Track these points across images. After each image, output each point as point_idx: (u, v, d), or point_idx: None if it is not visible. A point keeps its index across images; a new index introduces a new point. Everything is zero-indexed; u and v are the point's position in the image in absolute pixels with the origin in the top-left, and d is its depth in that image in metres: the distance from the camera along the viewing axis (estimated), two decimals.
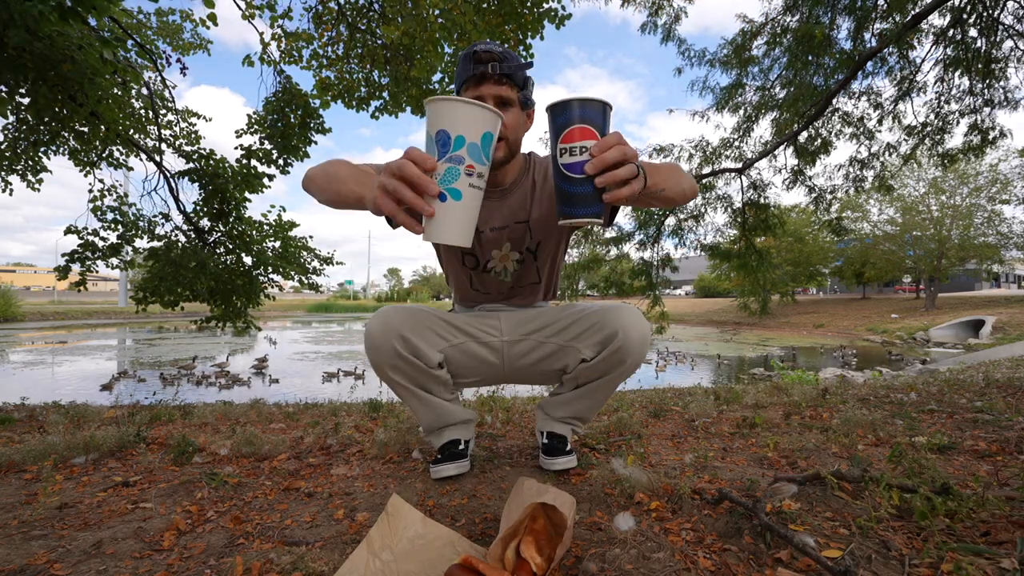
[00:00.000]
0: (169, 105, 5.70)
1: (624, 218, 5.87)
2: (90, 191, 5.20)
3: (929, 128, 4.94)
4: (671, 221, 5.76)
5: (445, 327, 1.31)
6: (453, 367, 1.33)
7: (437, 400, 1.33)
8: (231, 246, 5.38)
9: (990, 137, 4.77)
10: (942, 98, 4.75)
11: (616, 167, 0.74)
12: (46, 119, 3.89)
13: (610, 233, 5.98)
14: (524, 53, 4.09)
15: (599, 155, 0.73)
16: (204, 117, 6.00)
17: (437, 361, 1.27)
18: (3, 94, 2.91)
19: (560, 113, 0.74)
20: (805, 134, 5.13)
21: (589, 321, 1.27)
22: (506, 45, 3.94)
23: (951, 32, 4.25)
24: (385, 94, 4.62)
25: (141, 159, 5.26)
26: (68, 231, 4.82)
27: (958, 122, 4.81)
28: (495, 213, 1.28)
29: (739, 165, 5.49)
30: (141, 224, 5.18)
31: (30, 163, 4.94)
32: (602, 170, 0.73)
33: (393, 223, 0.89)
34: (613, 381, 1.29)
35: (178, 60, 5.42)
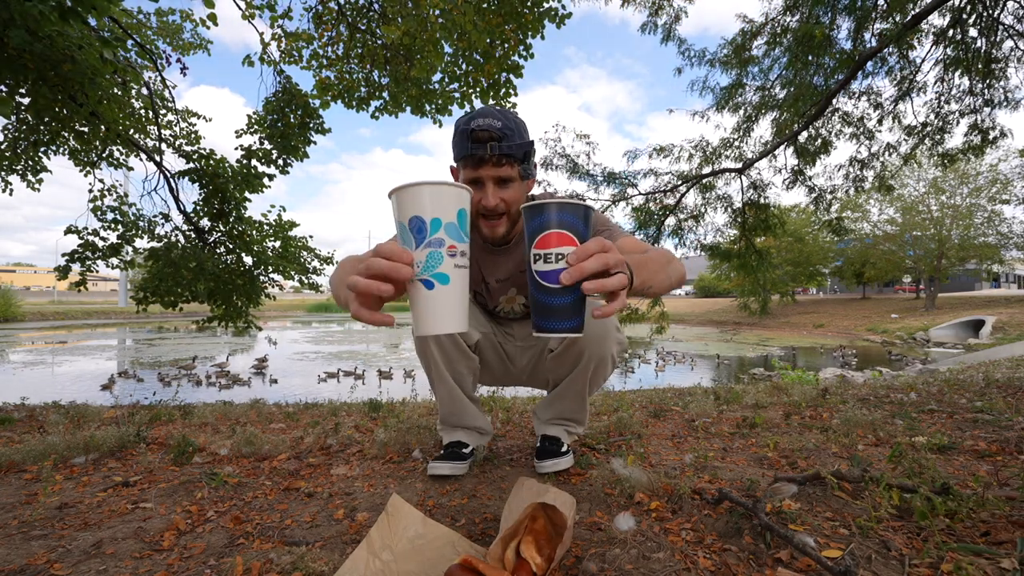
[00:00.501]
0: (169, 105, 5.70)
1: (624, 218, 5.87)
2: (90, 191, 5.20)
3: (929, 128, 4.94)
4: (671, 221, 5.75)
5: (482, 316, 1.42)
6: (480, 356, 1.42)
7: (461, 394, 1.39)
8: (231, 246, 5.38)
9: (990, 137, 4.77)
10: (942, 98, 4.74)
11: (599, 276, 0.66)
12: (46, 119, 3.89)
13: None
14: (524, 53, 4.08)
15: (577, 264, 0.65)
16: (204, 117, 6.00)
17: (475, 340, 1.36)
18: (3, 94, 2.91)
19: (535, 215, 0.68)
20: (805, 134, 5.13)
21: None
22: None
23: (951, 32, 4.25)
24: (385, 94, 4.62)
25: (141, 159, 5.26)
26: (68, 231, 4.82)
27: (958, 122, 4.81)
28: (500, 267, 1.33)
29: (739, 165, 5.48)
30: (141, 224, 5.18)
31: (30, 163, 4.94)
32: (580, 280, 0.65)
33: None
34: (580, 377, 1.32)
35: (178, 60, 5.43)
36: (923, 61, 4.60)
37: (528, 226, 0.69)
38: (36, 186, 5.16)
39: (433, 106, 4.61)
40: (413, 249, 0.65)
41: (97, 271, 5.09)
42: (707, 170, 5.62)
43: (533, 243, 0.69)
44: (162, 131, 5.40)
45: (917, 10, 4.01)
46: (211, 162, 5.13)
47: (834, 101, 4.81)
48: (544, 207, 0.67)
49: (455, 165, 1.16)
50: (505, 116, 1.09)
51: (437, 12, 3.69)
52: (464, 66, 4.33)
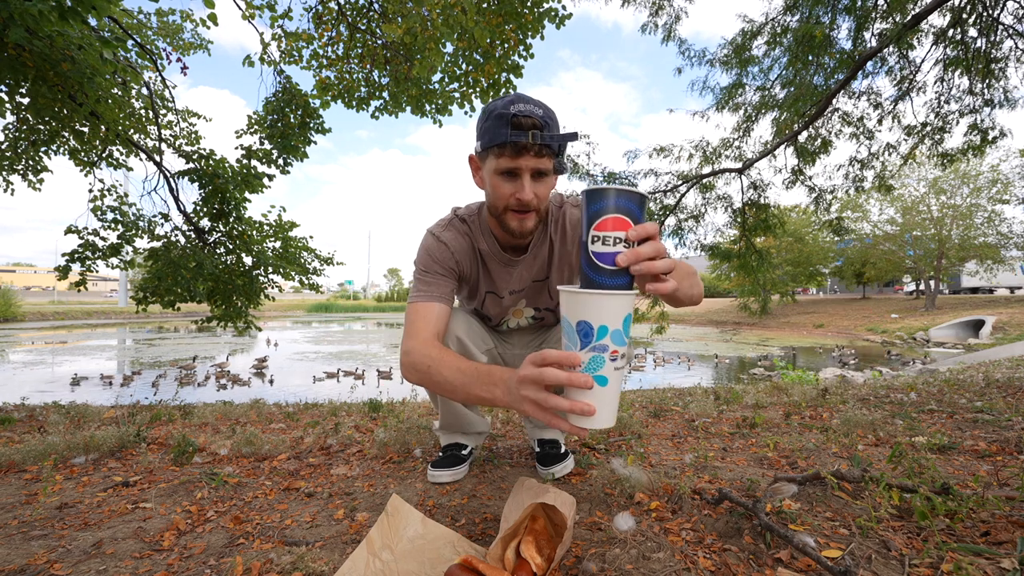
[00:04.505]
0: (169, 105, 5.70)
1: None
2: (90, 191, 5.20)
3: (929, 128, 4.94)
4: (671, 221, 5.75)
5: (484, 334, 1.38)
6: None
7: (463, 410, 1.39)
8: (231, 246, 5.38)
9: (990, 137, 4.77)
10: (942, 98, 4.74)
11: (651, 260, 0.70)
12: (46, 119, 3.89)
13: None
14: (524, 53, 4.08)
15: (634, 247, 0.69)
16: (204, 117, 6.00)
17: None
18: (3, 94, 2.91)
19: (597, 199, 0.71)
20: (805, 134, 5.13)
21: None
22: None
23: (951, 32, 4.25)
24: (385, 94, 4.62)
25: (141, 159, 5.25)
26: (68, 231, 4.82)
27: (958, 122, 4.81)
28: (514, 277, 1.27)
29: (739, 165, 5.48)
30: (141, 224, 5.18)
31: (30, 163, 4.94)
32: (635, 262, 0.69)
33: None
34: None
35: (178, 60, 5.43)
36: (923, 61, 4.60)
37: (588, 209, 0.72)
38: (37, 186, 5.16)
39: (433, 106, 4.61)
40: (577, 349, 0.70)
41: (97, 271, 5.09)
42: (707, 170, 5.62)
43: (592, 225, 0.72)
44: (162, 131, 5.39)
45: (917, 10, 4.01)
46: (211, 162, 5.13)
47: (834, 101, 4.80)
48: (605, 192, 0.70)
49: (478, 153, 1.06)
50: (543, 104, 1.02)
51: (438, 11, 3.69)
52: (464, 66, 4.33)
